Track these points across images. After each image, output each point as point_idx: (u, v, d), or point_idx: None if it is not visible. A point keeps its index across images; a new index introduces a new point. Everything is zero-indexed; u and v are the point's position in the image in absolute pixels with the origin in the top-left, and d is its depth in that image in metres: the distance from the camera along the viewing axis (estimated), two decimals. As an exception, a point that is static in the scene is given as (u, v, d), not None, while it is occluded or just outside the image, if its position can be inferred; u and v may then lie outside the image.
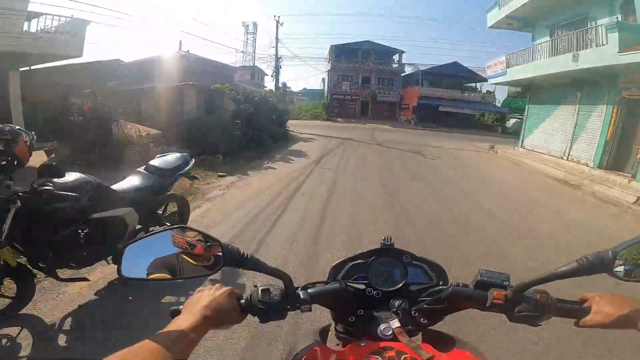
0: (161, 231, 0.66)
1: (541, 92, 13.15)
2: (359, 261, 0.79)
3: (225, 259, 0.63)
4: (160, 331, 0.53)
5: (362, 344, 0.61)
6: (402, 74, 36.33)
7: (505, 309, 0.66)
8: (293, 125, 20.49)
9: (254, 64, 63.16)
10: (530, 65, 12.32)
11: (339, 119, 32.61)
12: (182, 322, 0.55)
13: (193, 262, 0.66)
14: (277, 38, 30.22)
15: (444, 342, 0.67)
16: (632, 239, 0.59)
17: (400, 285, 0.76)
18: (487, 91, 34.29)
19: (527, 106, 14.32)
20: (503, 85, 15.22)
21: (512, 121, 32.92)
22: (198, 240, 0.66)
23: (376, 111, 35.62)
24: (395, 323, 0.65)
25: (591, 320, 0.63)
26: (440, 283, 0.77)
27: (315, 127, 23.63)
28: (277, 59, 25.79)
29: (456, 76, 33.48)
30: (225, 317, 0.61)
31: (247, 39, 62.12)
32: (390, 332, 0.64)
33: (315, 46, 44.18)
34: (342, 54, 35.26)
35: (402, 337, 0.62)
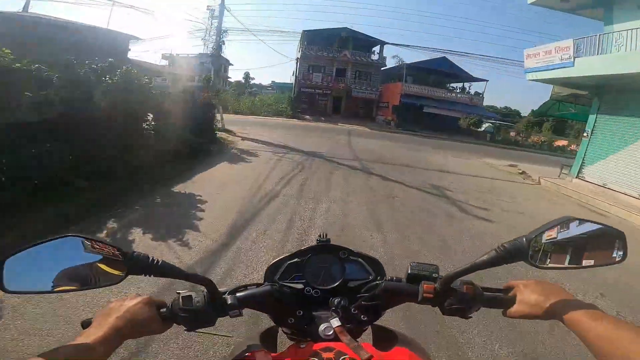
0: (56, 238, 0.55)
1: (624, 97, 8.37)
2: (295, 260, 0.75)
3: (130, 267, 0.57)
4: (67, 344, 0.49)
5: (302, 346, 0.59)
6: (382, 68, 31.27)
7: (437, 302, 0.65)
8: (243, 124, 16.54)
9: (218, 52, 56.34)
10: (613, 57, 7.46)
11: (307, 117, 26.94)
12: (91, 334, 0.51)
13: (101, 270, 0.58)
14: None
15: (387, 338, 0.67)
16: (543, 225, 0.58)
17: (339, 282, 0.73)
18: (476, 92, 30.18)
19: (592, 116, 9.36)
20: (546, 82, 10.22)
21: (485, 125, 29.30)
22: (100, 249, 0.58)
23: (350, 109, 30.30)
24: (336, 322, 0.63)
25: (516, 310, 0.61)
26: (378, 278, 0.74)
27: (273, 127, 17.89)
28: (220, 31, 19.16)
29: (444, 73, 28.86)
30: (142, 327, 0.57)
31: (211, 23, 55.31)
32: (331, 332, 0.62)
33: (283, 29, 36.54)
34: (315, 40, 29.45)
35: (342, 336, 0.60)
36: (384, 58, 31.08)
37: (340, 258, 0.75)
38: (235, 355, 0.62)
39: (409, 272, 0.68)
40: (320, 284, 0.73)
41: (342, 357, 0.53)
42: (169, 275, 0.60)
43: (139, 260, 0.58)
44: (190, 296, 0.62)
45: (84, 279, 0.57)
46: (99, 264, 0.57)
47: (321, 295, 0.71)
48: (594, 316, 0.50)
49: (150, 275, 0.58)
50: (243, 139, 12.23)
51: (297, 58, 30.33)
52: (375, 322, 0.71)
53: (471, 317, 0.64)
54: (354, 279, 0.74)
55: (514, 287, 0.64)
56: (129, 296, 0.61)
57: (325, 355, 0.54)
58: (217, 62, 16.91)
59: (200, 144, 8.37)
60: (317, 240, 0.78)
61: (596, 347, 0.47)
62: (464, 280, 0.64)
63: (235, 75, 54.67)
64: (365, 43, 30.31)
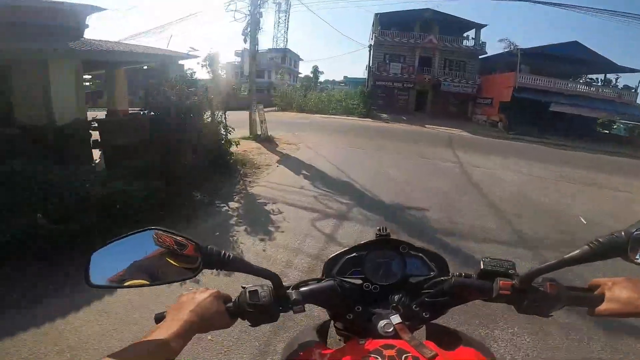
0: (135, 233, 0.57)
1: None
2: (353, 255, 0.73)
3: (204, 261, 0.58)
4: (142, 339, 0.49)
5: (361, 342, 0.56)
6: (481, 56, 24.42)
7: (513, 300, 0.61)
8: (300, 127, 13.54)
9: (285, 45, 54.24)
10: None
11: (384, 115, 21.74)
12: (165, 329, 0.51)
13: (174, 265, 0.58)
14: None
15: (448, 338, 0.63)
16: None
17: (399, 278, 0.70)
18: (625, 86, 21.49)
19: None
20: None
21: (620, 127, 19.99)
22: (175, 242, 0.58)
23: (438, 106, 24.15)
24: (396, 319, 0.61)
25: (606, 308, 0.57)
26: (442, 274, 0.70)
27: (339, 131, 13.19)
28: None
29: (575, 61, 20.80)
30: (211, 322, 0.57)
31: (279, 17, 53.37)
32: (391, 329, 0.59)
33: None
34: (391, 24, 24.00)
35: (403, 333, 0.58)
36: (482, 44, 24.18)
37: (401, 253, 0.72)
38: (294, 348, 0.62)
39: (482, 268, 0.63)
40: (380, 279, 0.70)
41: (404, 355, 0.50)
42: (240, 270, 0.60)
43: (213, 254, 0.58)
44: (256, 291, 0.60)
45: (161, 273, 0.58)
46: (175, 258, 0.57)
47: (380, 291, 0.68)
48: None
49: (222, 270, 0.58)
50: (282, 158, 7.82)
51: (370, 45, 25.17)
52: (434, 322, 0.67)
53: (552, 316, 0.59)
54: (415, 275, 0.70)
55: (601, 285, 0.59)
56: (199, 290, 0.60)
57: (386, 352, 0.51)
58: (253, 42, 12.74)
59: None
60: (377, 234, 0.75)
61: None
62: (547, 278, 0.59)
63: (305, 69, 51.65)
64: (455, 26, 23.81)
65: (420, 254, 0.73)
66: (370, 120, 19.85)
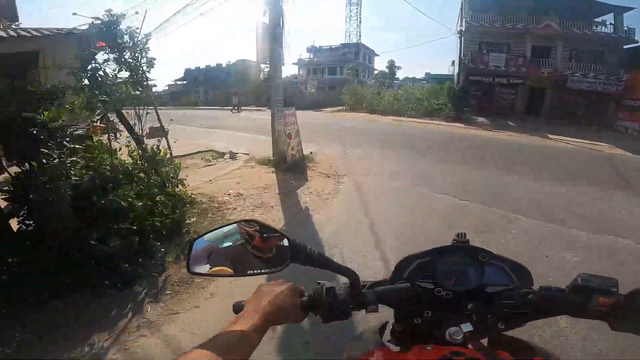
0: (230, 224, 0.63)
1: None
2: (427, 259, 0.69)
3: (293, 255, 0.60)
4: (224, 329, 0.50)
5: (427, 348, 0.54)
6: (626, 46, 17.52)
7: (608, 317, 0.57)
8: (359, 138, 9.97)
9: (358, 39, 50.63)
10: None
11: (479, 119, 16.69)
12: (245, 320, 0.52)
13: (259, 257, 0.62)
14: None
15: (520, 349, 0.60)
16: None
17: (474, 286, 0.66)
18: None
19: None
20: None
21: None
22: (265, 234, 0.62)
23: (560, 107, 17.98)
24: (467, 326, 0.58)
25: None
26: (524, 285, 0.65)
27: (422, 150, 8.80)
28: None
29: None
30: (286, 315, 0.57)
31: (350, 11, 50.06)
32: (460, 336, 0.57)
33: None
34: (488, 5, 18.50)
35: (474, 342, 0.56)
36: (630, 30, 17.33)
37: (479, 260, 0.67)
38: (356, 349, 0.61)
39: (579, 282, 0.59)
40: (453, 286, 0.66)
41: None
42: (324, 266, 0.61)
43: (300, 248, 0.59)
44: (333, 288, 0.60)
45: (251, 263, 0.60)
46: (265, 250, 0.60)
47: (452, 298, 0.65)
48: None
49: (307, 265, 0.60)
50: (289, 226, 4.04)
51: (460, 31, 19.88)
52: (504, 334, 0.63)
53: None
54: (493, 284, 0.66)
55: None
56: (278, 282, 0.60)
57: (456, 359, 0.49)
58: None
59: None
60: (454, 240, 0.71)
61: None
62: None
63: (380, 65, 47.23)
64: (585, 7, 17.28)
65: (502, 264, 0.67)
66: (462, 125, 15.11)
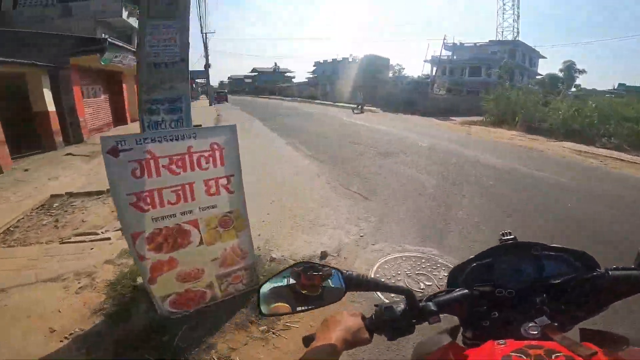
0: (287, 269, 0.66)
1: None
2: (479, 262, 0.68)
3: (348, 285, 0.63)
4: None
5: (500, 343, 0.49)
6: None
7: None
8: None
9: (515, 37, 41.26)
10: None
11: None
12: (319, 351, 0.55)
13: (322, 291, 0.65)
14: None
15: (611, 341, 0.53)
16: None
17: (534, 280, 0.64)
18: None
19: None
20: None
21: None
22: (316, 272, 0.65)
23: None
24: (544, 320, 0.55)
25: None
26: (589, 271, 0.63)
27: None
28: None
29: None
30: (354, 340, 0.60)
31: (504, 2, 40.65)
32: (537, 331, 0.53)
33: None
34: None
35: (554, 334, 0.51)
36: None
37: (534, 255, 0.66)
38: (428, 345, 0.63)
39: None
40: (513, 284, 0.64)
41: (554, 355, 0.43)
42: (377, 289, 0.64)
43: (353, 278, 0.62)
44: (391, 306, 0.63)
45: (312, 299, 0.64)
46: (322, 285, 0.63)
47: (516, 296, 0.63)
48: None
49: (359, 290, 0.63)
50: None
51: None
52: (587, 328, 0.59)
53: None
54: (557, 275, 0.64)
55: None
56: (339, 312, 0.63)
57: (532, 352, 0.44)
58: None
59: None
60: (500, 239, 0.70)
61: None
62: None
63: (547, 69, 36.53)
64: None
65: (560, 253, 0.65)
66: None
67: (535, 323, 0.55)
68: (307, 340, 0.60)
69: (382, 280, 0.67)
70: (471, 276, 0.68)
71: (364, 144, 8.52)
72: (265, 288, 0.65)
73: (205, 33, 28.33)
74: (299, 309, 0.64)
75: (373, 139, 9.25)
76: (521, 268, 0.66)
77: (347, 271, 0.64)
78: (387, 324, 0.61)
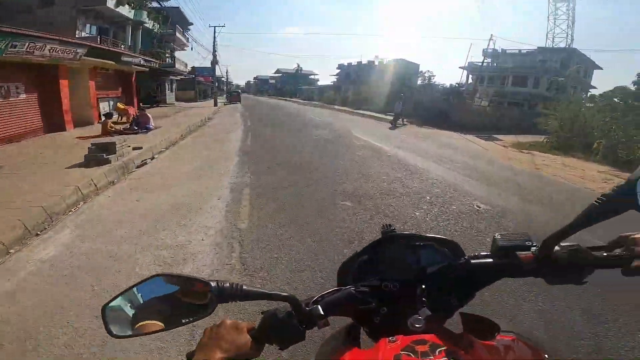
0: (143, 282, 0.58)
1: None
2: (364, 257, 0.69)
3: (218, 297, 0.57)
4: None
5: (392, 340, 0.52)
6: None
7: (540, 273, 0.57)
8: None
9: (569, 44, 36.48)
10: None
11: None
12: None
13: (188, 305, 0.58)
14: None
15: (485, 327, 0.58)
16: None
17: (416, 271, 0.65)
18: None
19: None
20: None
21: None
22: (184, 284, 0.59)
23: None
24: (425, 312, 0.56)
25: (638, 265, 0.50)
26: (457, 258, 0.65)
27: None
28: None
29: None
30: (240, 353, 0.55)
31: (556, 7, 35.68)
32: (421, 324, 0.54)
33: None
34: None
35: (435, 326, 0.54)
36: None
37: (412, 245, 0.67)
38: (325, 352, 0.62)
39: (499, 244, 0.60)
40: (398, 276, 0.65)
41: (438, 350, 0.46)
42: (252, 298, 0.59)
43: (224, 289, 0.57)
44: (275, 314, 0.59)
45: (177, 315, 0.57)
46: (188, 299, 0.58)
47: (401, 288, 0.64)
48: None
49: (236, 301, 0.58)
50: None
51: None
52: (467, 313, 0.63)
53: (586, 282, 0.55)
54: (431, 265, 0.65)
55: (628, 240, 0.53)
56: (223, 322, 0.58)
57: (418, 348, 0.48)
58: None
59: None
60: (382, 231, 0.70)
61: None
62: (566, 244, 0.55)
63: (602, 84, 31.36)
64: None
65: (432, 243, 0.67)
66: None
67: (419, 315, 0.55)
68: (190, 355, 0.56)
69: (261, 289, 0.58)
70: (358, 272, 0.67)
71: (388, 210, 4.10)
72: (116, 304, 0.56)
73: (215, 27, 25.74)
74: (172, 325, 0.57)
75: (407, 194, 4.79)
76: (403, 260, 0.66)
77: (219, 282, 0.57)
78: (274, 333, 0.58)
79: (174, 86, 27.97)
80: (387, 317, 0.61)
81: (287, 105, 33.42)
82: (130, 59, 13.22)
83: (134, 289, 0.57)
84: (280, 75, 78.17)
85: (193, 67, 30.47)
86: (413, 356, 0.46)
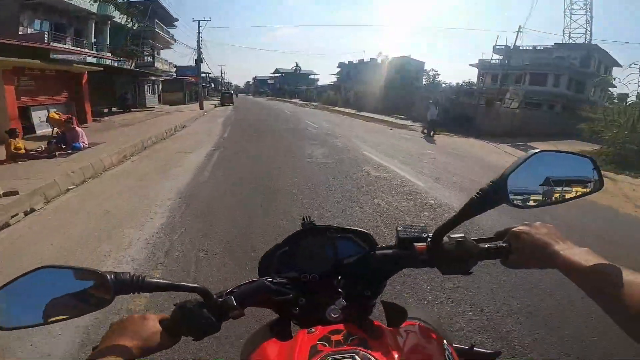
0: (28, 273, 0.52)
1: None
2: (285, 249, 0.69)
3: (116, 289, 0.53)
4: None
5: (310, 331, 0.54)
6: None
7: (434, 263, 0.60)
8: None
9: (588, 39, 34.45)
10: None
11: None
12: None
13: (84, 296, 0.54)
14: None
15: (396, 314, 0.62)
16: (513, 163, 0.53)
17: (333, 262, 0.67)
18: None
19: None
20: None
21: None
22: (79, 276, 0.54)
23: None
24: (341, 302, 0.59)
25: (514, 260, 0.56)
26: (371, 250, 0.67)
27: None
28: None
29: None
30: (150, 345, 0.53)
31: (572, 2, 33.23)
32: (337, 314, 0.57)
33: None
34: None
35: (351, 316, 0.57)
36: None
37: (330, 237, 0.68)
38: (250, 346, 0.61)
39: (399, 236, 0.63)
40: (316, 268, 0.66)
41: (351, 338, 0.50)
42: (158, 290, 0.56)
43: (123, 280, 0.54)
44: (185, 306, 0.57)
45: (72, 306, 0.54)
46: (84, 290, 0.54)
47: (320, 280, 0.65)
48: (585, 257, 0.46)
49: (138, 293, 0.54)
50: None
51: None
52: (384, 300, 0.65)
53: (472, 272, 0.59)
54: (347, 256, 0.67)
55: (507, 234, 0.58)
56: (128, 317, 0.57)
57: (334, 337, 0.50)
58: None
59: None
60: (302, 223, 0.70)
61: (586, 285, 0.44)
62: (455, 236, 0.59)
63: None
64: None
65: (348, 234, 0.68)
66: None
67: (336, 306, 0.57)
68: (95, 348, 0.54)
69: (166, 280, 0.56)
70: (279, 264, 0.68)
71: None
72: (5, 294, 0.51)
73: (199, 21, 23.00)
74: (52, 319, 0.52)
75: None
76: (322, 251, 0.67)
77: (114, 273, 0.53)
78: (186, 324, 0.56)
79: (158, 88, 25.27)
80: (305, 308, 0.61)
81: (283, 107, 30.67)
82: (69, 57, 10.44)
83: (20, 281, 0.51)
84: (279, 75, 75.33)
85: (176, 67, 27.71)
86: (327, 346, 0.48)
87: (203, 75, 29.13)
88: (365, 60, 41.80)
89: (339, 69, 46.68)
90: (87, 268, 0.54)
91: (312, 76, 74.60)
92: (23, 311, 0.52)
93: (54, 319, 0.51)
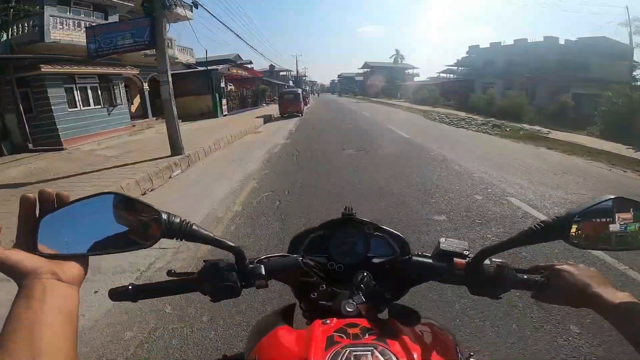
0: (93, 196, 0.50)
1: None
2: (319, 233, 0.69)
3: (163, 231, 0.51)
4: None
5: (326, 322, 0.53)
6: None
7: (466, 281, 0.59)
8: None
9: None
10: None
11: None
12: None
13: (132, 232, 0.51)
14: None
15: (409, 316, 0.60)
16: (585, 203, 0.52)
17: (363, 258, 0.67)
18: None
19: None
20: None
21: None
22: (135, 209, 0.52)
23: None
24: (359, 298, 0.57)
25: (548, 296, 0.55)
26: (403, 255, 0.67)
27: None
28: None
29: None
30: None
31: None
32: (353, 309, 0.55)
33: None
34: None
35: (366, 313, 0.56)
36: None
37: (366, 233, 0.67)
38: (259, 331, 0.59)
39: (441, 248, 0.60)
40: (344, 258, 0.66)
41: (367, 333, 0.49)
42: (199, 240, 0.54)
43: (173, 223, 0.52)
44: (217, 264, 0.57)
45: (117, 240, 0.52)
46: (132, 225, 0.52)
47: (344, 271, 0.65)
48: (629, 306, 0.45)
49: (181, 240, 0.53)
50: None
51: None
52: (396, 302, 0.63)
53: (501, 298, 0.57)
54: (378, 255, 0.67)
55: (547, 270, 0.56)
56: None
57: (350, 330, 0.50)
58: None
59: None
60: (343, 213, 0.70)
61: (625, 328, 0.44)
62: (496, 260, 0.57)
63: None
64: None
65: (384, 234, 0.68)
66: None
67: (353, 301, 0.55)
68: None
69: (210, 233, 0.54)
70: (310, 247, 0.68)
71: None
72: (53, 220, 0.47)
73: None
74: (95, 252, 0.49)
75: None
76: (354, 244, 0.67)
77: (168, 213, 0.51)
78: (211, 282, 0.55)
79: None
80: (323, 295, 0.61)
81: (376, 120, 16.97)
82: None
83: (81, 203, 0.48)
84: (368, 70, 61.49)
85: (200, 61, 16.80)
86: (345, 338, 0.47)
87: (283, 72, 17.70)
88: (508, 43, 25.13)
89: (467, 54, 30.47)
90: (146, 202, 0.50)
91: (409, 70, 58.65)
92: (71, 237, 0.48)
93: (95, 251, 0.49)
